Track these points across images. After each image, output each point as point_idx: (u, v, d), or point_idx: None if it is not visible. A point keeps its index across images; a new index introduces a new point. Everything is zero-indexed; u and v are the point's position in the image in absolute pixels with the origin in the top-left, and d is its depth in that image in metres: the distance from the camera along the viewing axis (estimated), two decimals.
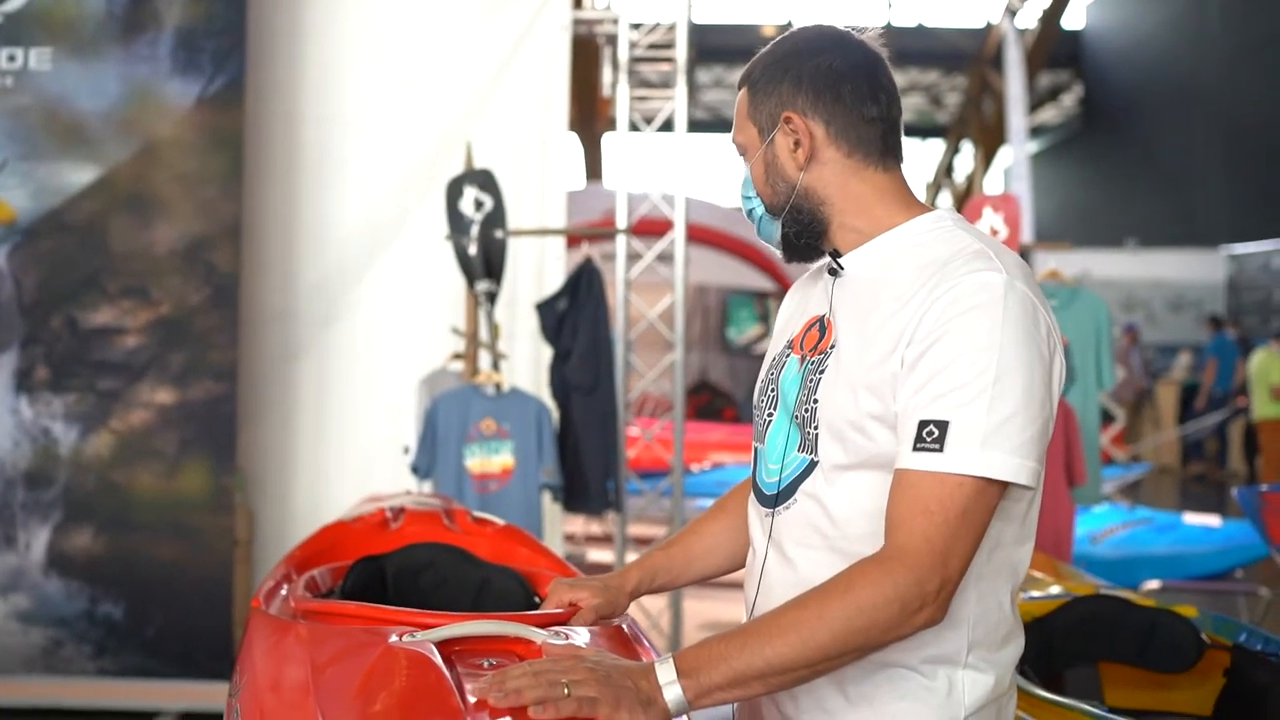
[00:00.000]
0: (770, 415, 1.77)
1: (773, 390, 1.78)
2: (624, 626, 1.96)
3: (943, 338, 1.54)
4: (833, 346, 1.68)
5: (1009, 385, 1.52)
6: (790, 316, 1.87)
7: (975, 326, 1.53)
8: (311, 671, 1.74)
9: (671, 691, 1.48)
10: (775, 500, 1.72)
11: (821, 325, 1.73)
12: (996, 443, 1.51)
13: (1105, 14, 23.70)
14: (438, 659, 1.61)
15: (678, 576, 1.95)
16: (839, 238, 1.73)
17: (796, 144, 1.72)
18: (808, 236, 1.75)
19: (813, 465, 1.67)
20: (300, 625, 1.94)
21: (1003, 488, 1.54)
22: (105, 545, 4.79)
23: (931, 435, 1.52)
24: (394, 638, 1.70)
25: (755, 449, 1.82)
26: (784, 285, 11.33)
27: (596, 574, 1.99)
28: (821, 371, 1.67)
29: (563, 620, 1.83)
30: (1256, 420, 12.02)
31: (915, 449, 1.53)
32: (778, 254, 1.83)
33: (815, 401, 1.66)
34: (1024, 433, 1.52)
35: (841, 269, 1.73)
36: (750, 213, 1.82)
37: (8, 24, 4.81)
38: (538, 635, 1.71)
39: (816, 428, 1.65)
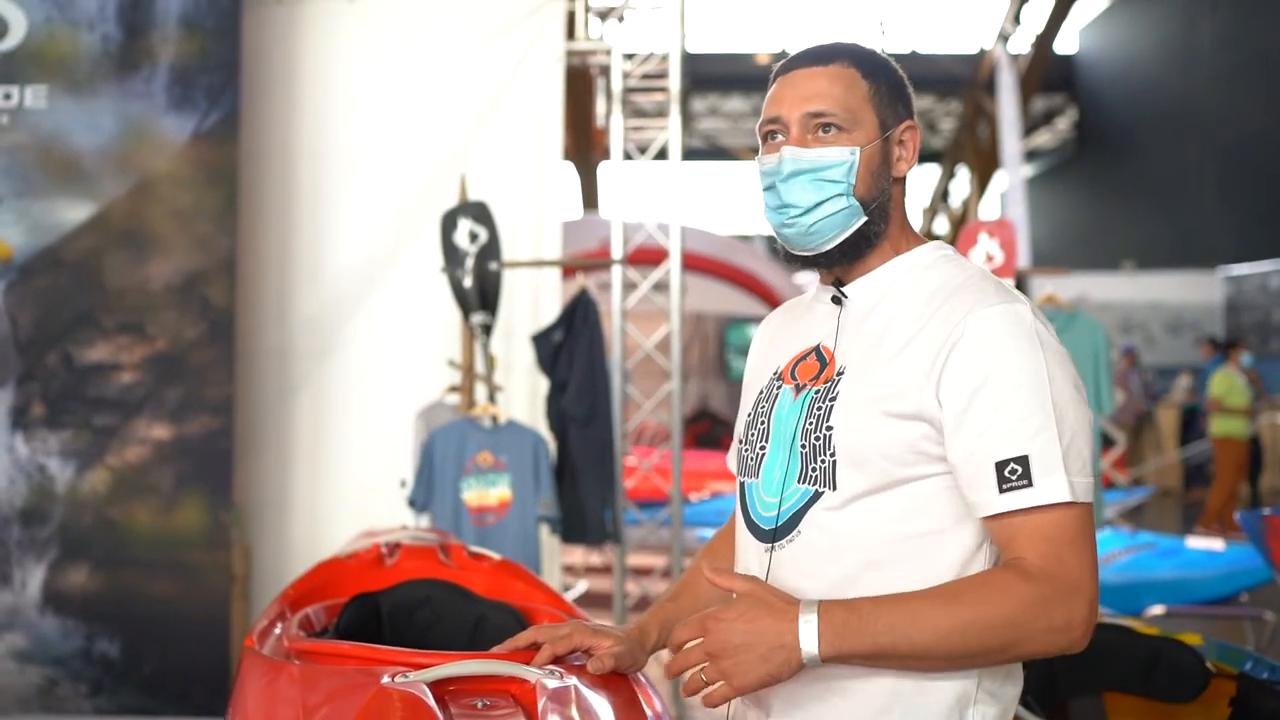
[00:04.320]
0: (763, 449, 1.73)
1: (764, 423, 1.75)
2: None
3: (990, 376, 1.55)
4: (840, 374, 1.66)
5: (1065, 411, 1.55)
6: (769, 348, 1.85)
7: (1021, 360, 1.55)
8: (303, 713, 1.72)
9: (809, 653, 1.51)
10: (774, 535, 1.69)
11: (819, 354, 1.72)
12: (1072, 467, 1.53)
13: (1098, 38, 23.81)
14: (430, 700, 1.59)
15: None
16: (877, 253, 1.72)
17: (900, 153, 1.73)
18: (873, 240, 1.71)
19: (816, 496, 1.65)
20: (293, 665, 1.92)
21: (1090, 510, 1.55)
22: (101, 582, 4.75)
23: (1015, 473, 1.52)
24: (386, 678, 1.68)
25: (743, 484, 1.78)
26: None
27: (595, 606, 1.96)
28: (832, 399, 1.65)
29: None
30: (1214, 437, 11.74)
31: (1003, 491, 1.53)
32: (807, 249, 1.71)
33: (829, 429, 1.63)
34: (1084, 454, 1.56)
35: (846, 297, 1.73)
36: (819, 202, 1.67)
37: (3, 62, 4.82)
38: (532, 674, 1.69)
39: (833, 454, 1.63)
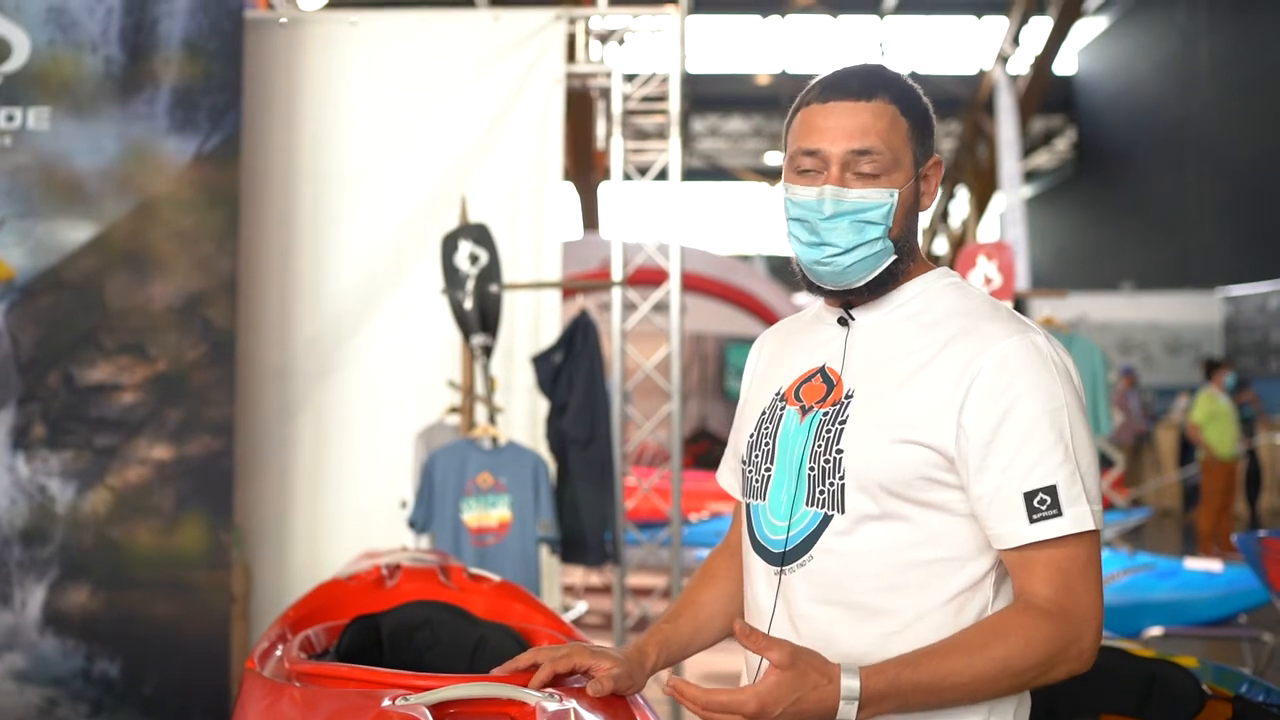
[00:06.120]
0: (768, 471, 1.74)
1: (768, 445, 1.74)
2: None
3: (1013, 409, 1.57)
4: (849, 397, 1.67)
5: (1080, 439, 1.58)
6: (769, 367, 1.85)
7: (1042, 391, 1.58)
8: None
9: (845, 716, 1.53)
10: (784, 558, 1.70)
11: (825, 376, 1.72)
12: (1090, 495, 1.58)
13: (1096, 59, 23.90)
14: None
15: (685, 648, 1.91)
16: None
17: (925, 188, 1.74)
18: (898, 276, 1.72)
19: (828, 519, 1.66)
20: (294, 688, 1.93)
21: (1099, 536, 1.60)
22: (102, 603, 4.75)
23: (1045, 503, 1.56)
24: (387, 701, 1.69)
25: (749, 506, 1.79)
26: None
27: (596, 627, 1.96)
28: (842, 422, 1.66)
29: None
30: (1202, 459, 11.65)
31: (1034, 521, 1.56)
32: (839, 286, 1.70)
33: (839, 452, 1.64)
34: (1097, 481, 1.60)
35: (853, 319, 1.74)
36: (858, 244, 1.67)
37: (6, 84, 4.85)
38: (531, 697, 1.69)
39: (842, 478, 1.64)
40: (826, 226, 1.67)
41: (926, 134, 1.72)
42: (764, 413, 1.79)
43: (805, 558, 1.67)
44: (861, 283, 1.69)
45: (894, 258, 1.69)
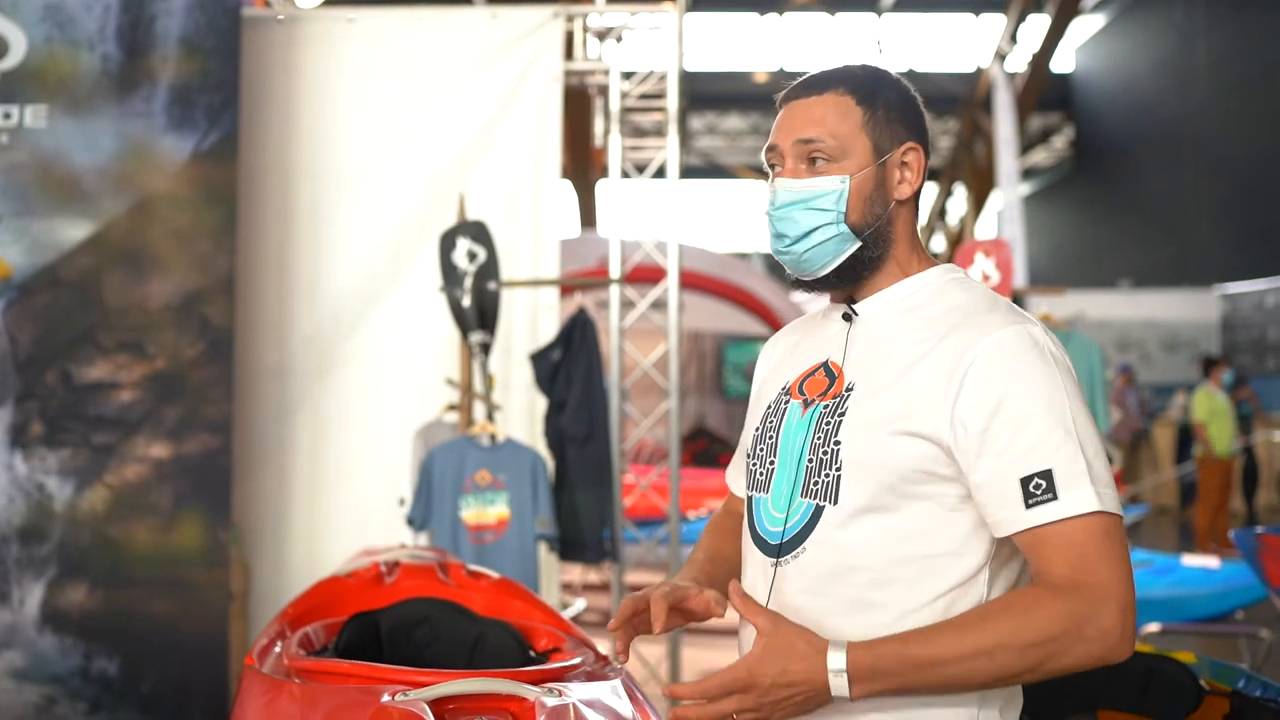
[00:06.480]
0: (772, 464, 1.75)
1: (772, 439, 1.76)
2: (620, 681, 1.95)
3: (1008, 396, 1.57)
4: (848, 390, 1.68)
5: (1084, 427, 1.57)
6: (780, 363, 1.87)
7: (1037, 378, 1.58)
8: None
9: (840, 697, 1.54)
10: (780, 550, 1.71)
11: (828, 369, 1.74)
12: (1099, 479, 1.55)
13: (1094, 57, 23.90)
14: (430, 718, 1.61)
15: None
16: (883, 274, 1.74)
17: (901, 176, 1.74)
18: (872, 265, 1.73)
19: (819, 511, 1.66)
20: (294, 684, 1.94)
21: (1119, 520, 1.56)
22: (100, 601, 4.75)
23: (1040, 488, 1.54)
24: (386, 697, 1.70)
25: (751, 498, 1.80)
26: (778, 329, 11.34)
27: (594, 624, 1.93)
28: (841, 415, 1.67)
29: (556, 676, 1.82)
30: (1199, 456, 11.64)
31: (1029, 506, 1.54)
32: (802, 274, 1.74)
33: (837, 443, 1.65)
34: (1106, 464, 1.57)
35: (856, 314, 1.75)
36: (808, 231, 1.71)
37: (3, 82, 4.84)
38: (530, 692, 1.70)
39: (839, 469, 1.65)
40: (778, 217, 1.72)
41: (895, 120, 1.74)
42: (769, 407, 1.81)
43: (799, 549, 1.68)
44: (826, 271, 1.72)
45: (859, 244, 1.71)
